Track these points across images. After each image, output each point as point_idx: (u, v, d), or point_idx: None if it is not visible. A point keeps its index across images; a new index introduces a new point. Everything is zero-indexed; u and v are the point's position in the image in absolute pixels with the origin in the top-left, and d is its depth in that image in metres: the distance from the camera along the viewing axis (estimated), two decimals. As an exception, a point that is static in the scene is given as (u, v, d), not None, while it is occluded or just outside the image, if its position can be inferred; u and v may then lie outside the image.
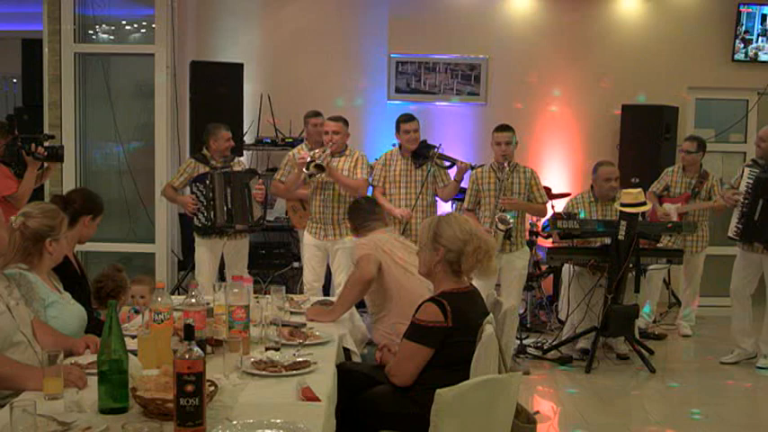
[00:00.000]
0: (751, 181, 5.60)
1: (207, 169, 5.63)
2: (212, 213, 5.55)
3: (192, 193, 5.65)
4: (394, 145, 6.04)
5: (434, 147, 5.72)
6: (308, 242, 5.63)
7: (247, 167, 5.97)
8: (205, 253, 5.73)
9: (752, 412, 5.06)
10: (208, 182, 5.56)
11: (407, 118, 5.78)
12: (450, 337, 2.89)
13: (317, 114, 6.15)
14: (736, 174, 5.93)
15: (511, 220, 5.39)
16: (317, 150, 5.40)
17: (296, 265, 6.84)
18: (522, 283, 5.79)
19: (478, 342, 2.85)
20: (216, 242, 5.72)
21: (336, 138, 5.41)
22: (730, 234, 5.77)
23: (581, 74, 7.64)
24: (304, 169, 5.22)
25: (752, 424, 4.84)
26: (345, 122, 5.52)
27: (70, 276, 3.50)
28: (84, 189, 4.08)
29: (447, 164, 5.74)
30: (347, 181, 5.39)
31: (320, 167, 5.17)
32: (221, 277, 5.88)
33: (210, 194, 5.55)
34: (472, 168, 5.70)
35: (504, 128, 5.57)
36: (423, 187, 5.66)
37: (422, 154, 5.73)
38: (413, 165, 5.75)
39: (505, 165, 5.50)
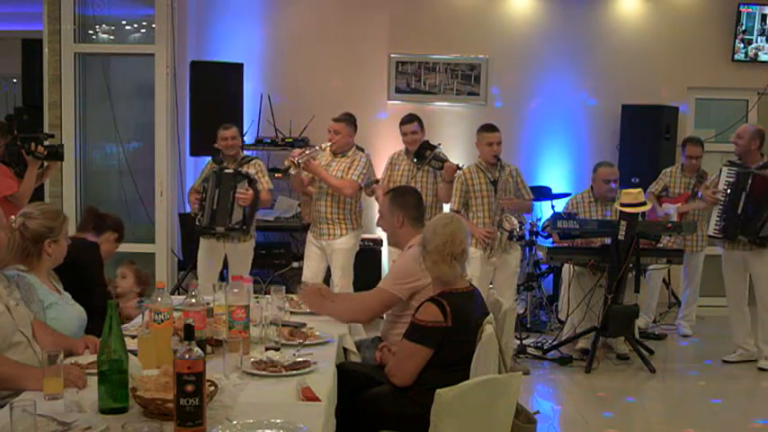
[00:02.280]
0: (731, 179, 5.64)
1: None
2: (201, 214, 5.63)
3: (201, 193, 5.70)
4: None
5: (434, 147, 5.72)
6: (309, 239, 5.67)
7: (257, 170, 5.91)
8: (204, 253, 5.80)
9: (752, 413, 5.06)
10: (208, 182, 5.63)
11: (406, 119, 5.79)
12: (450, 338, 2.89)
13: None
14: (713, 175, 5.98)
15: (516, 222, 5.40)
16: (308, 149, 5.47)
17: (296, 265, 6.84)
18: (515, 281, 5.80)
19: (478, 342, 2.85)
20: (213, 243, 5.74)
21: (337, 138, 5.42)
22: (710, 233, 5.81)
23: (581, 74, 7.64)
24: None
25: (753, 424, 4.84)
26: (350, 123, 5.50)
27: (74, 267, 3.49)
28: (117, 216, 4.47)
29: (439, 165, 5.73)
30: (330, 179, 5.37)
31: (295, 164, 5.22)
32: (221, 279, 5.89)
33: (205, 195, 5.61)
34: (459, 169, 5.67)
35: (494, 128, 5.54)
36: (425, 188, 5.66)
37: (422, 155, 5.74)
38: (415, 166, 5.76)
39: (505, 165, 5.49)
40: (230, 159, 5.72)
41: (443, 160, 5.65)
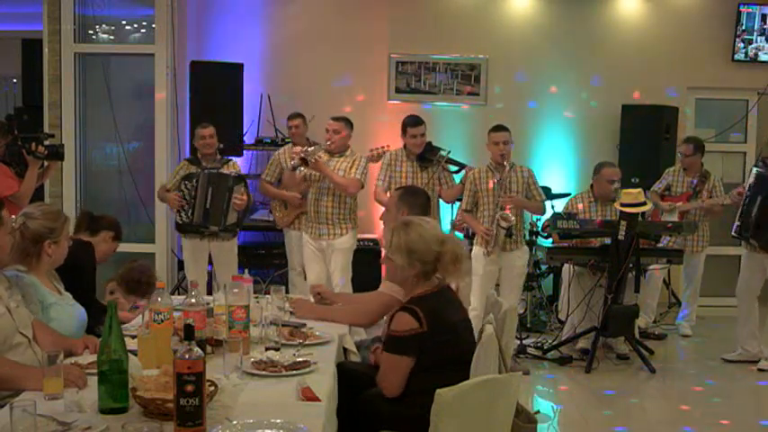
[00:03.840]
0: (752, 180, 5.62)
1: (197, 170, 5.72)
2: (191, 211, 5.65)
3: (181, 191, 5.71)
4: (383, 147, 6.07)
5: (441, 150, 5.72)
6: (305, 241, 5.65)
7: (236, 172, 5.98)
8: (189, 254, 5.85)
9: (752, 413, 5.06)
10: (194, 180, 5.66)
11: (414, 122, 5.76)
12: (430, 341, 2.86)
13: (294, 116, 6.26)
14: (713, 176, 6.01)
15: (512, 218, 5.39)
16: (311, 148, 5.44)
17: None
18: (522, 282, 5.78)
19: (478, 342, 2.85)
20: (197, 243, 5.79)
21: (336, 137, 5.42)
22: (732, 233, 5.78)
23: (581, 74, 7.64)
24: (290, 161, 5.28)
25: (752, 425, 4.84)
26: (348, 123, 5.53)
27: (72, 268, 3.50)
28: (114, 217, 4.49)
29: (456, 169, 5.76)
30: (336, 177, 5.38)
31: (304, 161, 5.21)
32: (210, 278, 5.98)
33: (193, 193, 5.64)
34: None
35: (501, 128, 5.56)
36: (428, 189, 5.66)
37: (428, 157, 5.73)
38: (419, 167, 5.75)
39: (505, 164, 5.49)
40: (208, 159, 5.75)
41: (461, 164, 5.69)
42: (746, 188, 5.64)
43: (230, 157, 6.04)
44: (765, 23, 7.54)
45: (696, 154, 6.41)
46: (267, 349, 3.01)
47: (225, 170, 5.76)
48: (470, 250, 5.81)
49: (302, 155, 5.25)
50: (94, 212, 4.39)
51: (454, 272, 3.00)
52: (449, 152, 5.75)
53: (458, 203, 6.00)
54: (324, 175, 5.38)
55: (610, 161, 6.25)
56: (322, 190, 5.48)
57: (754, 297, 5.82)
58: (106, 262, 4.39)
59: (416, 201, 3.86)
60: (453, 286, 3.48)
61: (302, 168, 5.33)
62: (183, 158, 6.09)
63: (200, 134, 5.73)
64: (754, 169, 5.70)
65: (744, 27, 7.53)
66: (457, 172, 5.77)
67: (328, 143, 5.43)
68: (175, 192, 5.74)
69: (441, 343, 2.88)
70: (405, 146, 5.82)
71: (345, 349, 3.52)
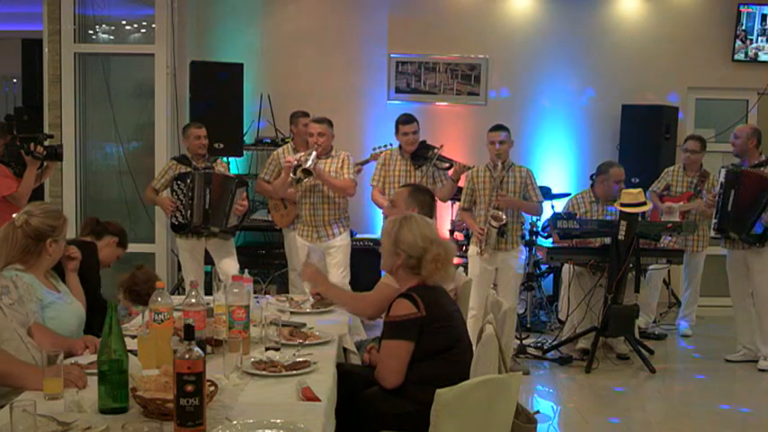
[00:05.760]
0: (724, 179, 5.69)
1: (188, 170, 5.67)
2: (189, 212, 5.62)
3: (173, 191, 5.67)
4: (386, 146, 6.05)
5: (434, 148, 5.72)
6: (302, 245, 5.63)
7: (228, 170, 5.97)
8: (188, 255, 5.84)
9: (752, 413, 5.06)
10: (189, 181, 5.61)
11: (406, 119, 5.76)
12: (428, 326, 2.93)
13: (306, 114, 6.20)
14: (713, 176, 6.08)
15: (504, 218, 5.38)
16: (302, 154, 5.36)
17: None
18: (518, 283, 5.77)
19: (478, 342, 2.85)
20: (194, 243, 5.78)
21: (322, 140, 5.37)
22: (711, 232, 5.84)
23: (581, 73, 7.64)
24: (291, 174, 5.24)
25: (752, 425, 4.84)
26: (330, 124, 5.49)
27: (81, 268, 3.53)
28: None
29: (446, 165, 5.75)
30: (335, 182, 5.37)
31: (308, 172, 5.18)
32: (209, 278, 5.98)
33: (190, 194, 5.60)
34: (469, 168, 5.68)
35: (498, 127, 5.56)
36: None
37: (421, 155, 5.73)
38: (413, 165, 5.74)
39: (499, 164, 5.48)
40: (199, 158, 5.72)
41: (451, 161, 5.68)
42: (719, 186, 5.69)
43: (217, 156, 6.00)
44: (765, 23, 7.54)
45: (702, 151, 6.45)
46: (267, 349, 3.01)
47: (216, 169, 5.72)
48: (466, 249, 5.82)
49: (305, 166, 5.19)
50: (96, 214, 4.41)
51: (434, 271, 3.05)
52: (440, 147, 5.74)
53: (458, 202, 6.00)
54: (324, 181, 5.36)
55: (615, 161, 6.24)
56: (316, 196, 5.45)
57: (746, 296, 5.84)
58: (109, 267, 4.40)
59: (425, 199, 3.98)
60: (452, 286, 3.51)
61: (306, 180, 5.28)
62: (170, 158, 6.04)
63: (196, 134, 5.69)
64: (723, 170, 5.75)
65: (744, 27, 7.53)
66: (447, 169, 5.74)
67: (316, 146, 5.37)
68: (167, 195, 5.71)
69: (438, 329, 2.94)
70: (400, 146, 5.82)
71: (345, 349, 3.52)
